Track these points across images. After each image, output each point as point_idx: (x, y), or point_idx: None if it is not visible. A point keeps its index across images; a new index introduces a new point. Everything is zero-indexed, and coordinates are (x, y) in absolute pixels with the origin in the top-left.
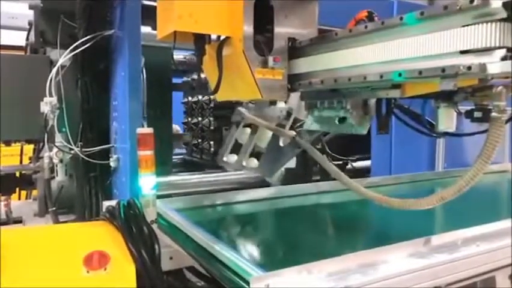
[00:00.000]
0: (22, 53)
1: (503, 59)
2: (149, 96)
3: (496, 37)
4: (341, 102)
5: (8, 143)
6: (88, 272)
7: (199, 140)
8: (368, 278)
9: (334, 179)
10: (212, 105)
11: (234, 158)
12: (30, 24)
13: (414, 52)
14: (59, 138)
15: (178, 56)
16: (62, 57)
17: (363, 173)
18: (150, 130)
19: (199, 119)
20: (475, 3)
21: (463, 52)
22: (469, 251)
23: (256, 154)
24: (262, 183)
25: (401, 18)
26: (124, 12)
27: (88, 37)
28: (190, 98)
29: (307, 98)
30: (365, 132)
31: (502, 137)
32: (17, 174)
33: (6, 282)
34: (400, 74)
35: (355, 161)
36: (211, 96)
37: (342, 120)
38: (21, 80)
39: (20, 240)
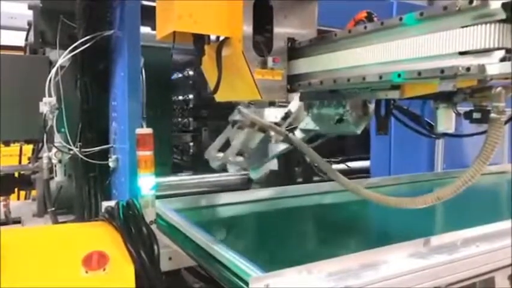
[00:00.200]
0: (21, 53)
1: (502, 60)
2: (149, 97)
3: (495, 38)
4: (341, 102)
5: (7, 143)
6: (86, 272)
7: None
8: (368, 279)
9: (322, 181)
10: (191, 105)
11: (220, 155)
12: (29, 24)
13: (413, 53)
14: (58, 139)
15: None
16: (62, 58)
17: (354, 173)
18: (149, 130)
19: (179, 119)
20: (474, 4)
21: (462, 53)
22: (468, 251)
23: (242, 153)
24: (244, 186)
25: (401, 19)
26: (123, 12)
27: (88, 37)
28: None
29: (307, 99)
30: (359, 132)
31: (501, 138)
32: (16, 175)
33: (5, 282)
34: (399, 75)
35: (339, 162)
36: (190, 96)
37: (340, 120)
38: (20, 80)
39: (19, 240)
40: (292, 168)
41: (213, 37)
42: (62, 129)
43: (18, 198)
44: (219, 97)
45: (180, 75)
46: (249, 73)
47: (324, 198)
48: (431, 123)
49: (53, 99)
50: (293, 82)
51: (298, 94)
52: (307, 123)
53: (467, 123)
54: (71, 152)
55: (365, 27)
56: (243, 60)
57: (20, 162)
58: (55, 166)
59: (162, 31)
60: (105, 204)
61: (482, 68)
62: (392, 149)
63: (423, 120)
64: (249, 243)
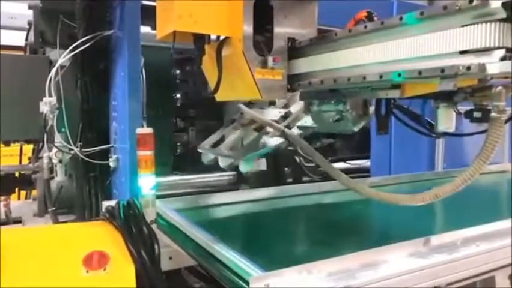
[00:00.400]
0: (21, 53)
1: (503, 59)
2: (149, 97)
3: (495, 37)
4: (341, 100)
5: (7, 143)
6: (87, 272)
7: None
8: (368, 278)
9: (314, 181)
10: (178, 105)
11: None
12: (29, 24)
13: (413, 52)
14: (58, 139)
15: None
16: (62, 57)
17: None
18: (150, 130)
19: None
20: (474, 3)
21: (462, 52)
22: (468, 251)
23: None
24: (234, 187)
25: (401, 18)
26: (123, 12)
27: (88, 37)
28: None
29: (307, 98)
30: (356, 129)
31: (501, 137)
32: (17, 175)
33: (6, 282)
34: (400, 74)
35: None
36: (177, 95)
37: (338, 119)
38: (20, 80)
39: (20, 240)
40: (281, 168)
41: (213, 37)
42: (63, 129)
43: (19, 198)
44: (219, 97)
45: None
46: (249, 73)
47: (324, 197)
48: (432, 122)
49: (54, 99)
50: (293, 81)
51: (301, 97)
52: (306, 121)
53: (468, 123)
54: (72, 152)
55: (365, 27)
56: (243, 59)
57: (20, 162)
58: (56, 166)
59: (162, 31)
60: (106, 203)
61: (482, 67)
62: (393, 149)
63: (424, 119)
64: (249, 243)
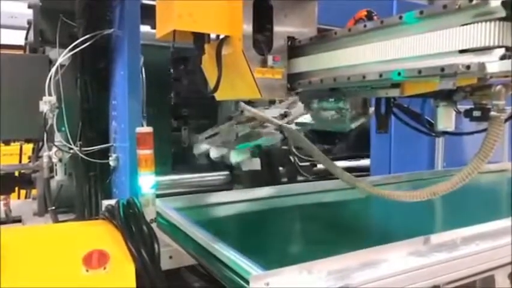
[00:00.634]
0: (21, 52)
1: (502, 58)
2: (149, 95)
3: (495, 36)
4: (340, 99)
5: (7, 143)
6: (87, 271)
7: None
8: (367, 277)
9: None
10: (171, 104)
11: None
12: (29, 23)
13: (413, 51)
14: (58, 138)
15: None
16: (62, 57)
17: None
18: (149, 129)
19: None
20: (474, 2)
21: (462, 51)
22: (468, 249)
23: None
24: (227, 186)
25: (401, 17)
26: (123, 11)
27: (88, 36)
28: None
29: (307, 97)
30: (353, 127)
31: (501, 136)
32: (16, 174)
33: (5, 282)
34: (399, 73)
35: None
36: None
37: (337, 118)
38: (20, 79)
39: (20, 239)
40: (276, 168)
41: (213, 36)
42: (63, 128)
43: (19, 197)
44: (219, 96)
45: None
46: (249, 72)
47: (324, 196)
48: (431, 121)
49: (53, 98)
50: (293, 81)
51: (301, 97)
52: (305, 118)
53: (467, 122)
54: (72, 151)
55: (365, 26)
56: (243, 59)
57: (20, 161)
58: (55, 165)
59: (162, 30)
60: (105, 202)
61: (482, 66)
62: (392, 148)
63: (424, 118)
64: (250, 242)
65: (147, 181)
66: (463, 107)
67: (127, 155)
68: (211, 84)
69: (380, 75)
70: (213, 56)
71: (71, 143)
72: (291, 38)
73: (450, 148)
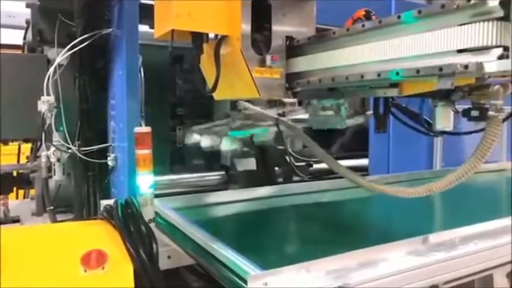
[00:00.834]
0: (19, 51)
1: (500, 57)
2: (147, 95)
3: (493, 36)
4: (339, 97)
5: (5, 142)
6: (85, 271)
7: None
8: (365, 276)
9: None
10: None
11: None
12: (27, 22)
13: (411, 51)
14: (56, 137)
15: None
16: (60, 56)
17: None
18: (148, 129)
19: None
20: (472, 1)
21: (460, 51)
22: (467, 249)
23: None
24: (223, 187)
25: (399, 17)
26: (122, 11)
27: (86, 36)
28: None
29: (306, 97)
30: (348, 124)
31: (499, 136)
32: (15, 174)
33: (5, 281)
34: (398, 73)
35: (317, 162)
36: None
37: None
38: (18, 79)
39: (18, 239)
40: (271, 168)
41: (211, 35)
42: (61, 128)
43: (17, 197)
44: (218, 95)
45: None
46: (248, 71)
47: (321, 196)
48: (430, 121)
49: (52, 98)
50: (292, 80)
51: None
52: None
53: (466, 121)
54: (70, 151)
55: (363, 26)
56: (241, 58)
57: (18, 161)
58: (54, 165)
59: (160, 30)
60: (104, 202)
61: (480, 66)
62: (391, 147)
63: (422, 118)
64: (248, 241)
65: (145, 181)
66: (461, 106)
67: (126, 154)
68: (210, 83)
69: (378, 75)
70: (212, 56)
71: (70, 142)
72: (289, 38)
73: (448, 148)
